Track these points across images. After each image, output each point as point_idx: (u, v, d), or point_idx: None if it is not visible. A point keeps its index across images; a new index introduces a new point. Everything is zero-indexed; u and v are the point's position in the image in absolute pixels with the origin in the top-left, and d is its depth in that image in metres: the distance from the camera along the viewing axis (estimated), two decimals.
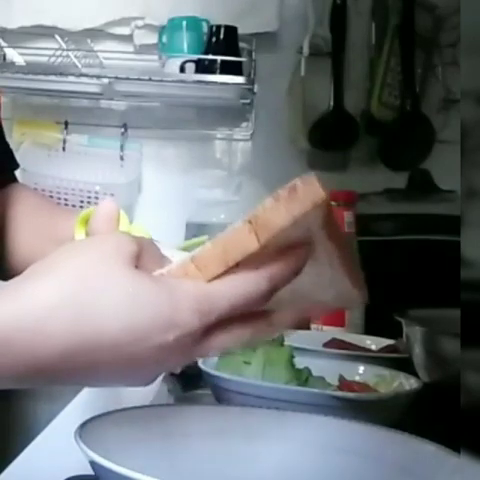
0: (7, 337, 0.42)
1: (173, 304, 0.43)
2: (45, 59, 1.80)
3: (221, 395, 0.73)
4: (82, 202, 1.77)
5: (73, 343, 0.42)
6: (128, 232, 0.58)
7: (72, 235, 0.64)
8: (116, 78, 1.74)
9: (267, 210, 0.44)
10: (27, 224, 0.75)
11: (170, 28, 1.79)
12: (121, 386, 0.46)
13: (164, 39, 1.81)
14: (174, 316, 0.43)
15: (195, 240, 0.55)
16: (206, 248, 0.45)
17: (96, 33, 1.84)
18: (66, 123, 1.83)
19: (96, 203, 1.76)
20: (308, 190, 0.44)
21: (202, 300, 0.44)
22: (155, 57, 1.83)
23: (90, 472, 0.47)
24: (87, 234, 0.61)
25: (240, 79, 1.72)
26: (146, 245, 0.47)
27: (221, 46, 1.74)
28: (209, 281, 0.44)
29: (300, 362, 0.80)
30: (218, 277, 0.44)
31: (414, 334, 0.80)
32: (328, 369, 0.82)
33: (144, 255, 0.46)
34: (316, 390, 0.71)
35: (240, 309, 0.45)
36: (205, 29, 1.78)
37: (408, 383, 0.78)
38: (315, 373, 0.80)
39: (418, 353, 0.80)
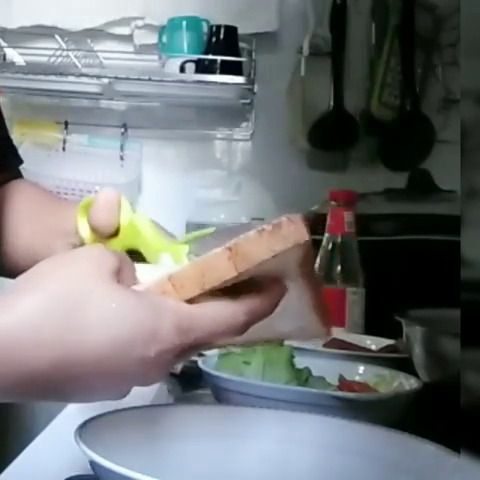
0: None
1: (156, 319, 0.43)
2: (45, 59, 1.80)
3: (221, 395, 0.73)
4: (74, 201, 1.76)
5: (62, 353, 0.42)
6: (131, 221, 0.59)
7: (75, 226, 0.64)
8: (116, 78, 1.74)
9: (249, 241, 0.45)
10: (29, 218, 0.74)
11: (170, 28, 1.79)
12: (100, 400, 0.46)
13: (164, 39, 1.81)
14: (156, 331, 0.43)
15: (202, 232, 0.55)
16: (185, 269, 0.46)
17: (96, 33, 1.84)
18: (66, 123, 1.83)
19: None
20: (293, 229, 0.45)
21: (183, 319, 0.44)
22: (155, 57, 1.83)
23: (90, 472, 0.47)
24: (89, 223, 0.61)
25: (240, 79, 1.72)
26: (124, 260, 0.47)
27: (221, 46, 1.75)
28: (185, 301, 0.45)
29: (300, 362, 0.80)
30: (194, 299, 0.45)
31: (414, 334, 0.80)
32: (328, 369, 0.82)
33: (124, 270, 0.46)
34: (316, 390, 0.71)
35: (217, 337, 0.46)
36: (205, 29, 1.78)
37: (408, 383, 0.78)
38: (315, 373, 0.80)
39: (418, 353, 0.80)
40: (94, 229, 0.60)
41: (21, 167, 0.87)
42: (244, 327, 0.46)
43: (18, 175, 0.84)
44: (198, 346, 0.46)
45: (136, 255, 0.58)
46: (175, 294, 0.45)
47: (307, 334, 0.56)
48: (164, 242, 0.57)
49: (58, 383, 0.43)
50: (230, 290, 0.46)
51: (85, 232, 0.62)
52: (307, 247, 0.46)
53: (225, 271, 0.44)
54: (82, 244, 0.62)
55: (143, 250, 0.57)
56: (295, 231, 0.45)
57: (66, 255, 0.47)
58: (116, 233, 0.60)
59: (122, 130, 1.84)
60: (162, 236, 0.58)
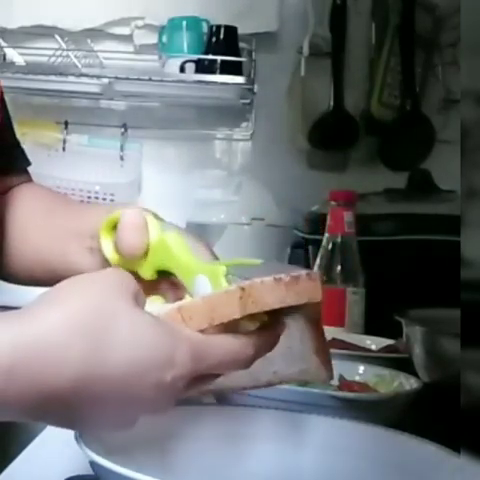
0: (18, 361, 0.41)
1: (173, 345, 0.44)
2: (45, 59, 1.80)
3: (221, 395, 0.73)
4: (82, 202, 1.77)
5: (84, 373, 0.42)
6: (162, 240, 0.55)
7: (93, 230, 0.61)
8: (116, 78, 1.74)
9: (264, 286, 0.45)
10: (40, 221, 0.71)
11: (170, 28, 1.79)
12: (108, 428, 0.46)
13: (164, 39, 1.81)
14: (173, 356, 0.43)
15: (246, 261, 0.53)
16: (195, 302, 0.46)
17: (96, 33, 1.84)
18: (66, 123, 1.83)
19: (96, 203, 1.76)
20: (309, 286, 0.46)
21: (198, 346, 0.45)
22: (155, 57, 1.83)
23: (90, 472, 0.47)
24: (114, 243, 0.58)
25: (240, 79, 1.72)
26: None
27: (221, 46, 1.75)
28: None
29: None
30: (200, 331, 0.45)
31: (414, 334, 0.80)
32: None
33: (139, 294, 0.46)
34: (316, 390, 0.71)
35: (226, 367, 0.47)
36: (205, 29, 1.78)
37: (408, 383, 0.78)
38: None
39: (418, 353, 0.80)
40: (122, 253, 0.57)
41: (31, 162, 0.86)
42: (251, 360, 0.47)
43: (28, 178, 0.82)
44: (207, 378, 0.47)
45: (169, 276, 0.56)
46: (183, 325, 0.45)
47: (309, 376, 0.56)
48: (199, 262, 0.53)
49: (75, 403, 0.42)
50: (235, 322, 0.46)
51: (109, 252, 0.59)
52: (317, 305, 0.47)
53: (234, 310, 0.45)
54: (106, 262, 0.59)
55: (176, 271, 0.54)
56: (311, 289, 0.46)
57: (89, 276, 0.47)
58: (145, 254, 0.56)
59: (122, 130, 1.84)
60: (198, 255, 0.55)
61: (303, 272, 0.46)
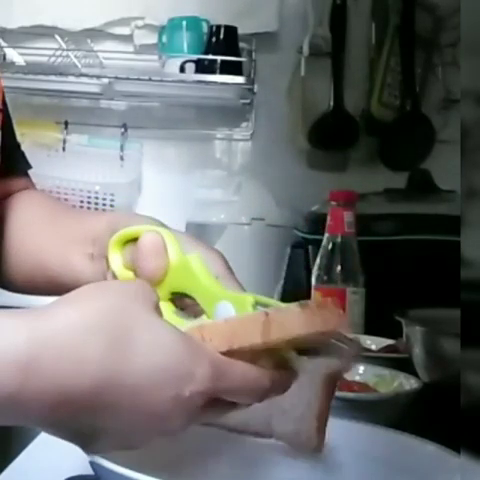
0: (35, 357, 0.40)
1: (194, 359, 0.43)
2: (45, 59, 1.80)
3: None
4: (82, 202, 1.77)
5: (104, 374, 0.41)
6: (183, 263, 0.53)
7: (95, 236, 0.60)
8: (116, 78, 1.74)
9: (289, 312, 0.44)
10: (39, 227, 0.70)
11: (170, 28, 1.79)
12: (119, 445, 0.45)
13: (164, 39, 1.81)
14: (193, 370, 0.42)
15: (273, 302, 0.52)
16: (217, 324, 0.46)
17: (96, 33, 1.84)
18: (66, 123, 1.83)
19: (96, 203, 1.76)
20: (336, 313, 0.45)
21: (219, 366, 0.44)
22: (155, 57, 1.83)
23: (90, 472, 0.47)
24: (124, 259, 0.56)
25: (240, 79, 1.72)
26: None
27: (221, 46, 1.75)
28: None
29: None
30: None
31: (414, 334, 0.80)
32: None
33: (158, 308, 0.46)
34: None
35: (243, 394, 0.45)
36: (205, 29, 1.78)
37: (408, 383, 0.78)
38: None
39: (418, 353, 0.80)
40: (140, 276, 0.54)
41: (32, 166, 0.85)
42: (266, 394, 0.46)
43: (29, 182, 0.81)
44: (221, 405, 0.45)
45: (188, 299, 0.53)
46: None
47: (298, 442, 0.55)
48: (224, 289, 0.51)
49: (92, 408, 0.41)
50: (253, 355, 0.46)
51: (118, 268, 0.56)
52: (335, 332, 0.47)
53: (256, 336, 0.44)
54: (114, 277, 0.57)
55: (196, 295, 0.52)
56: (337, 316, 0.45)
57: (111, 282, 0.48)
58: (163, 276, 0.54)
59: (122, 130, 1.84)
60: (222, 281, 0.53)
61: (329, 299, 0.46)
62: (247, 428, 0.55)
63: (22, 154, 0.84)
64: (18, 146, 0.85)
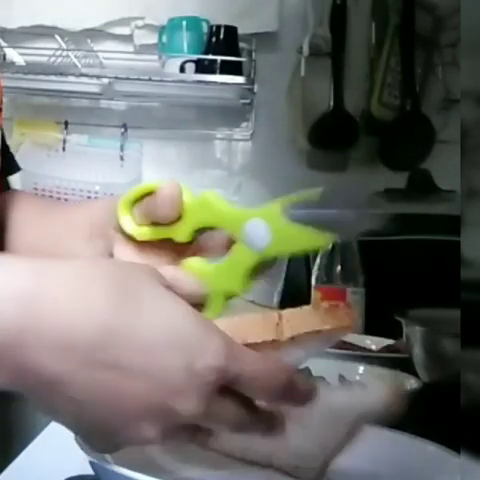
0: (41, 293, 0.38)
1: (209, 334, 0.42)
2: (45, 59, 1.80)
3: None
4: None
5: (112, 326, 0.39)
6: (201, 198, 0.54)
7: (93, 218, 0.59)
8: (116, 78, 1.74)
9: (302, 311, 0.46)
10: (33, 223, 0.70)
11: (170, 28, 1.79)
12: (117, 429, 0.41)
13: (164, 39, 1.81)
14: (207, 344, 0.41)
15: (302, 195, 0.53)
16: (231, 319, 0.45)
17: (96, 33, 1.84)
18: (66, 123, 1.83)
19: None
20: (348, 313, 0.47)
21: (234, 346, 0.42)
22: (155, 57, 1.83)
23: (90, 472, 0.47)
24: (138, 218, 0.55)
25: (240, 79, 1.72)
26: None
27: (221, 46, 1.74)
28: None
29: None
30: None
31: (414, 334, 0.80)
32: (328, 369, 0.82)
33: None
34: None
35: (255, 383, 0.43)
36: (205, 29, 1.78)
37: (408, 383, 0.78)
38: (315, 373, 0.80)
39: (418, 353, 0.80)
40: (159, 217, 0.54)
41: (21, 168, 0.85)
42: (282, 391, 0.43)
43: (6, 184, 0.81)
44: (232, 402, 0.43)
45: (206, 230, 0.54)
46: None
47: (300, 475, 0.54)
48: (249, 209, 0.52)
49: (97, 359, 0.38)
50: None
51: (132, 227, 0.55)
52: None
53: (270, 333, 0.44)
54: (129, 238, 0.56)
55: (221, 224, 0.52)
56: (349, 316, 0.47)
57: (120, 261, 0.46)
58: (180, 216, 0.54)
59: (122, 130, 1.84)
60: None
61: (341, 304, 0.49)
62: (245, 455, 0.54)
63: (12, 157, 0.83)
64: (7, 148, 0.84)
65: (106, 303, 0.39)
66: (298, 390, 0.44)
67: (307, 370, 0.79)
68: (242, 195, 1.69)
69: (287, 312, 0.45)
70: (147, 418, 0.40)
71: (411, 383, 0.77)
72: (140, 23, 1.84)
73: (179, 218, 0.54)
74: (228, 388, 0.42)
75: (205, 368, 0.40)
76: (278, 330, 0.44)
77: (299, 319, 0.45)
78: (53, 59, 1.80)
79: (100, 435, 0.41)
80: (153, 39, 1.84)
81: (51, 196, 1.76)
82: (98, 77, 1.75)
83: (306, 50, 1.77)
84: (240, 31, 1.77)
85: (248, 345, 0.43)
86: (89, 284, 0.39)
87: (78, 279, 0.40)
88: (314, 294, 1.21)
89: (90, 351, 0.38)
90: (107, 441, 0.42)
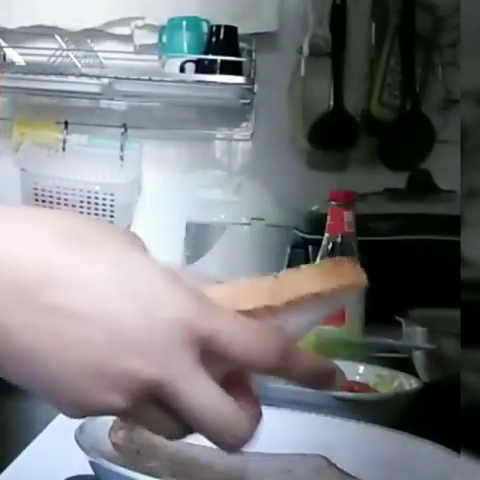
0: None
1: (176, 288, 0.37)
2: (45, 59, 1.80)
3: None
4: (82, 202, 1.77)
5: (59, 263, 0.35)
6: None
7: None
8: (116, 78, 1.74)
9: (301, 272, 0.40)
10: None
11: (170, 28, 1.79)
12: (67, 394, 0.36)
13: (164, 39, 1.81)
14: (173, 296, 0.37)
15: None
16: (222, 286, 0.41)
17: (96, 33, 1.84)
18: (66, 123, 1.83)
19: (96, 203, 1.76)
20: (355, 269, 0.42)
21: (211, 303, 0.38)
22: (155, 57, 1.83)
23: (90, 472, 0.47)
24: None
25: (240, 79, 1.72)
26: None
27: (221, 46, 1.74)
28: None
29: None
30: None
31: (414, 334, 0.80)
32: None
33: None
34: (316, 390, 0.71)
35: (238, 350, 0.37)
36: (205, 29, 1.78)
37: (408, 383, 0.78)
38: None
39: (418, 353, 0.80)
40: None
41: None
42: (274, 362, 0.38)
43: None
44: (217, 365, 0.37)
45: None
46: None
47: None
48: None
49: (40, 300, 0.35)
50: None
51: None
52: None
53: (262, 297, 0.39)
54: None
55: None
56: (356, 273, 0.42)
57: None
58: None
59: (122, 130, 1.84)
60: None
61: (345, 258, 0.42)
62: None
63: None
64: None
65: (54, 243, 0.36)
66: (300, 365, 0.39)
67: None
68: (242, 195, 1.69)
69: (283, 273, 0.40)
70: (105, 378, 0.36)
71: (411, 383, 0.77)
72: (140, 23, 1.84)
73: None
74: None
75: (172, 321, 0.36)
76: (272, 294, 0.39)
77: (297, 280, 0.40)
78: (53, 59, 1.80)
79: (62, 396, 0.37)
80: (153, 39, 1.84)
81: (51, 196, 1.76)
82: (98, 77, 1.75)
83: (306, 50, 1.77)
84: (240, 31, 1.77)
85: (240, 313, 0.39)
86: (38, 224, 0.37)
87: (28, 219, 0.37)
88: None
89: (32, 291, 0.35)
90: (72, 404, 0.37)
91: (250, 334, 0.38)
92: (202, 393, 0.36)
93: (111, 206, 1.78)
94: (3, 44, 1.79)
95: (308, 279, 0.40)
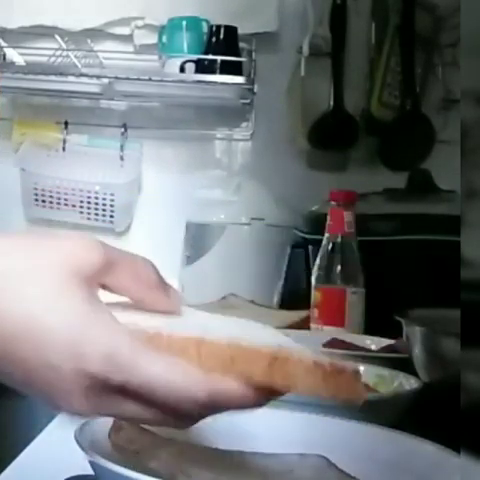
0: None
1: (90, 334, 0.39)
2: (45, 59, 1.80)
3: None
4: (82, 202, 1.77)
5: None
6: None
7: None
8: (116, 78, 1.74)
9: (300, 365, 0.39)
10: None
11: (170, 28, 1.79)
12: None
13: (164, 39, 1.81)
14: (84, 345, 0.39)
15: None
16: (217, 343, 0.40)
17: (96, 33, 1.84)
18: (66, 123, 1.83)
19: (96, 203, 1.76)
20: (356, 383, 0.40)
21: (121, 350, 0.39)
22: (155, 57, 1.83)
23: (90, 472, 0.47)
24: None
25: (240, 79, 1.72)
26: (125, 260, 0.42)
27: (221, 46, 1.74)
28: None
29: None
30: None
31: (414, 334, 0.80)
32: None
33: (118, 272, 0.42)
34: None
35: (154, 398, 0.39)
36: (205, 29, 1.78)
37: (408, 383, 0.78)
38: None
39: (418, 353, 0.80)
40: None
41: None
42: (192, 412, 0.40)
43: None
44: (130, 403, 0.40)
45: None
46: (193, 360, 0.40)
47: None
48: None
49: None
50: None
51: None
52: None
53: (257, 374, 0.39)
54: None
55: None
56: (355, 386, 0.40)
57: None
58: None
59: (122, 130, 1.84)
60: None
61: (349, 365, 0.40)
62: None
63: None
64: None
65: None
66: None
67: None
68: (242, 195, 1.69)
69: (283, 355, 0.39)
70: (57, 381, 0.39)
71: (411, 383, 0.77)
72: (140, 23, 1.84)
73: None
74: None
75: (75, 372, 0.38)
76: (267, 373, 0.39)
77: (294, 371, 0.39)
78: (53, 59, 1.80)
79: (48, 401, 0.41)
80: (153, 39, 1.84)
81: (51, 196, 1.76)
82: (98, 77, 1.75)
83: (306, 50, 1.77)
84: (240, 31, 1.77)
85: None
86: None
87: None
88: (314, 294, 1.21)
89: None
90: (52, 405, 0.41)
91: (165, 388, 0.39)
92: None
93: (111, 206, 1.78)
94: (3, 44, 1.79)
95: (304, 377, 0.39)
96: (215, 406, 0.40)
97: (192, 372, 0.39)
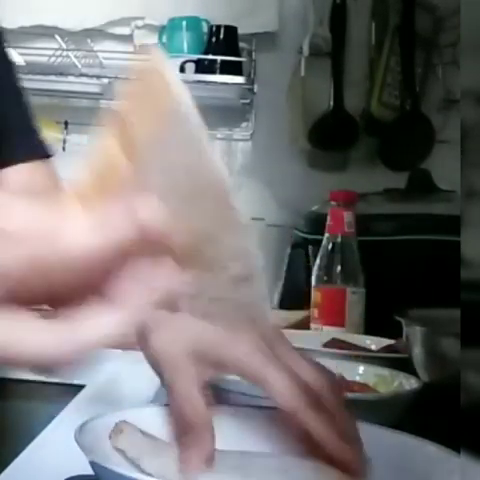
0: None
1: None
2: (45, 59, 1.80)
3: (221, 395, 0.73)
4: None
5: None
6: None
7: None
8: (116, 78, 1.74)
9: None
10: None
11: (170, 28, 1.79)
12: None
13: (164, 39, 1.81)
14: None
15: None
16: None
17: (96, 33, 1.85)
18: (66, 123, 1.83)
19: None
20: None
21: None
22: None
23: (90, 472, 0.47)
24: None
25: (240, 79, 1.72)
26: None
27: (221, 46, 1.75)
28: None
29: None
30: None
31: (414, 334, 0.80)
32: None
33: None
34: None
35: None
36: (205, 29, 1.78)
37: (408, 383, 0.78)
38: None
39: (418, 353, 0.80)
40: None
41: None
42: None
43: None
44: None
45: None
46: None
47: None
48: None
49: None
50: None
51: None
52: None
53: None
54: None
55: None
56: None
57: None
58: None
59: None
60: None
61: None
62: None
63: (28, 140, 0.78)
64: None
65: None
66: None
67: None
68: (242, 195, 1.69)
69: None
70: None
71: (411, 383, 0.77)
72: (140, 23, 1.84)
73: None
74: None
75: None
76: None
77: None
78: (53, 59, 1.80)
79: None
80: (153, 39, 1.84)
81: None
82: (98, 77, 1.75)
83: (306, 50, 1.77)
84: (240, 31, 1.77)
85: None
86: None
87: None
88: (314, 294, 1.21)
89: None
90: None
91: None
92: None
93: None
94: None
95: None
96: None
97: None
